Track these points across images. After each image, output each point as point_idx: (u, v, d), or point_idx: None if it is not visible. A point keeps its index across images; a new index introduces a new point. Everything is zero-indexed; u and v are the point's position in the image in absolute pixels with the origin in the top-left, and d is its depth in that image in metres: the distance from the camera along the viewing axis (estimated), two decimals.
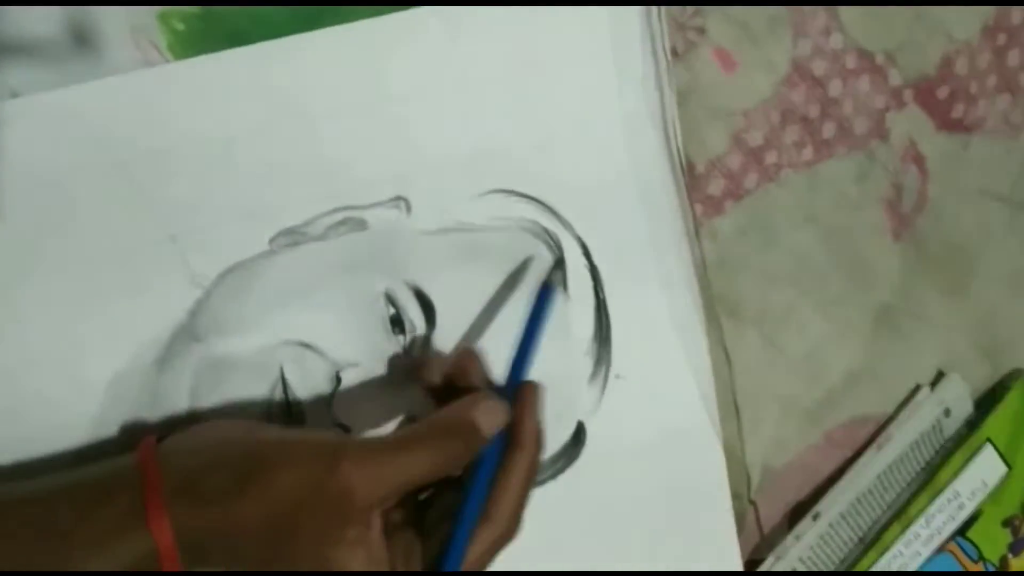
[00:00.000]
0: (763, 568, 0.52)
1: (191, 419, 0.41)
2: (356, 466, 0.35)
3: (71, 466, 0.39)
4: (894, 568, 0.55)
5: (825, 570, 0.54)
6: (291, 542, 0.34)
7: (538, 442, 0.39)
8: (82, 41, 0.39)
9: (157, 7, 0.39)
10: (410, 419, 0.43)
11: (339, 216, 0.42)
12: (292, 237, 0.42)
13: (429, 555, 0.37)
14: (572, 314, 0.45)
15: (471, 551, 0.37)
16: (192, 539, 0.34)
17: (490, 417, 0.37)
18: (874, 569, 0.54)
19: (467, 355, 0.41)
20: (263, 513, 0.34)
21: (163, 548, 0.34)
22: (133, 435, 0.41)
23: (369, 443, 0.36)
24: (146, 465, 0.35)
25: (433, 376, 0.41)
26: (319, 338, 0.42)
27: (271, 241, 0.42)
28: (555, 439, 0.46)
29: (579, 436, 0.47)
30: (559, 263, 0.44)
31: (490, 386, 0.40)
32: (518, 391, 0.39)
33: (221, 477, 0.34)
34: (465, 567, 0.36)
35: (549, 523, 0.46)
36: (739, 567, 0.51)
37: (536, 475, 0.39)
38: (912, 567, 0.55)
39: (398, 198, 0.43)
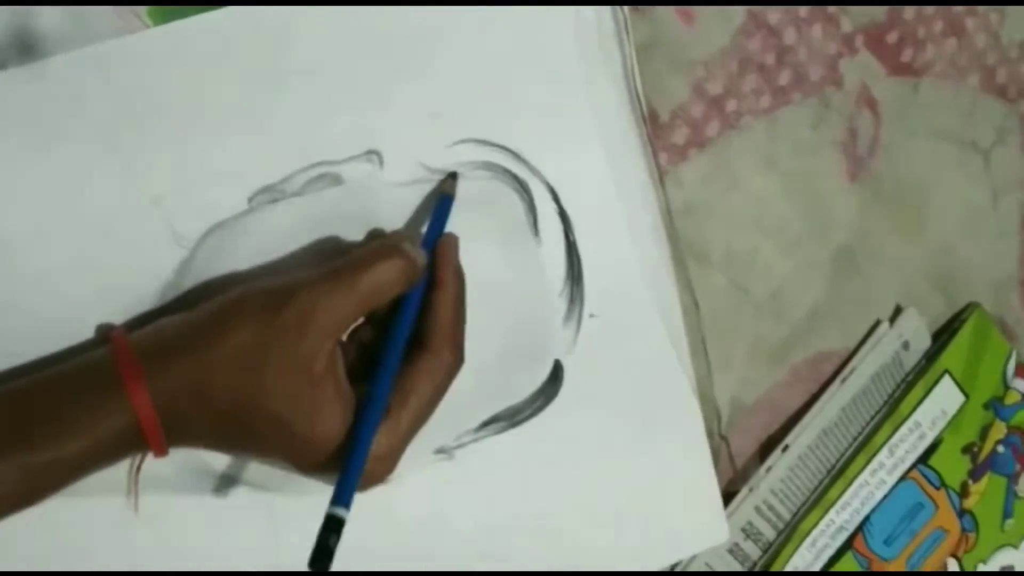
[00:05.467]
0: (738, 499, 0.55)
1: None
2: (310, 295, 0.37)
3: None
4: (861, 496, 0.57)
5: (767, 549, 0.56)
6: (257, 378, 0.36)
7: (459, 279, 0.42)
8: (64, 11, 0.40)
9: None
10: None
11: (315, 172, 0.44)
12: (271, 194, 0.43)
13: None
14: (544, 257, 0.47)
15: (419, 388, 0.39)
16: (169, 400, 0.36)
17: (415, 251, 0.40)
18: (843, 497, 0.56)
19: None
20: (230, 356, 0.36)
21: (143, 415, 0.36)
22: None
23: (317, 275, 0.38)
24: (117, 342, 0.37)
25: None
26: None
27: (251, 199, 0.43)
28: (534, 378, 0.48)
29: (557, 374, 0.48)
30: (453, 175, 0.45)
31: None
32: (435, 245, 0.42)
33: (188, 334, 0.37)
34: (420, 401, 0.39)
35: (531, 459, 0.48)
36: (718, 499, 0.53)
37: (464, 309, 0.42)
38: (878, 495, 0.58)
39: (371, 152, 0.44)
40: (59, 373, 0.37)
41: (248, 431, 0.37)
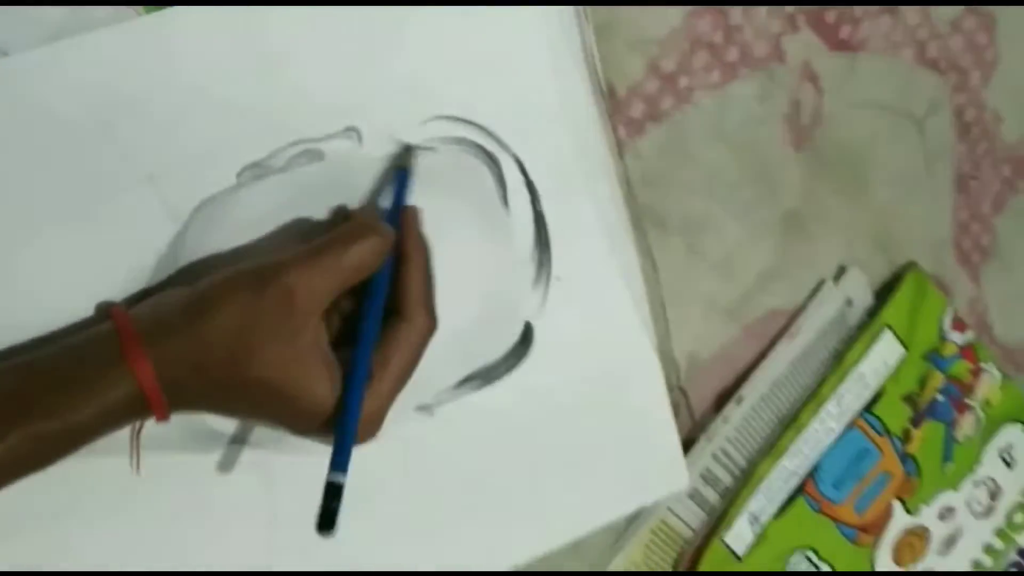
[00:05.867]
0: (697, 448, 0.57)
1: None
2: (293, 275, 0.39)
3: None
4: (811, 443, 0.60)
5: (739, 470, 0.60)
6: (250, 352, 0.38)
7: (424, 251, 0.44)
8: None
9: None
10: None
11: (298, 149, 0.46)
12: (257, 171, 0.45)
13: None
14: (514, 226, 0.50)
15: (398, 353, 0.42)
16: (169, 372, 0.38)
17: (386, 228, 0.42)
18: (794, 444, 0.59)
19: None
20: (223, 332, 0.38)
21: (147, 385, 0.38)
22: None
23: (299, 254, 0.40)
24: (119, 318, 0.39)
25: None
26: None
27: (238, 175, 0.45)
28: (506, 339, 0.51)
29: (527, 335, 0.51)
30: (408, 148, 0.48)
31: None
32: (399, 218, 0.44)
33: (183, 312, 0.39)
34: (399, 365, 0.42)
35: (504, 413, 0.51)
36: (678, 448, 0.55)
37: (431, 278, 0.45)
38: (827, 442, 0.60)
39: (350, 129, 0.46)
40: (65, 347, 0.39)
41: (243, 398, 0.40)
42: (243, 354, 0.39)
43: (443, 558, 0.51)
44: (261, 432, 0.47)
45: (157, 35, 0.43)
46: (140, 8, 0.43)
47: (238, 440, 0.47)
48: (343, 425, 0.40)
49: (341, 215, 0.46)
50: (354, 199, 0.47)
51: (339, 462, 0.39)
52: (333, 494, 0.38)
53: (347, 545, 0.48)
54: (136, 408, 0.39)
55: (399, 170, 0.47)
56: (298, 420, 0.41)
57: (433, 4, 0.47)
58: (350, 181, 0.47)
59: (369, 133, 0.47)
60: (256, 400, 0.40)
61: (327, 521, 0.38)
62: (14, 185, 0.42)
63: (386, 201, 0.47)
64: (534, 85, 0.50)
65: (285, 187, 0.46)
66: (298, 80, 0.45)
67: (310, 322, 0.40)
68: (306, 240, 0.41)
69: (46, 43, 0.41)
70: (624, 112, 0.54)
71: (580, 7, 0.50)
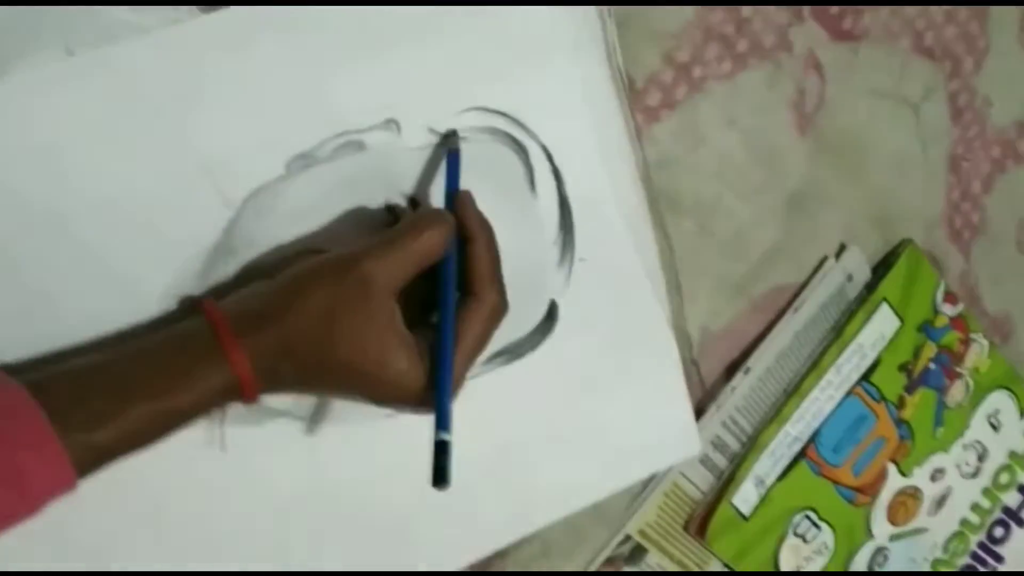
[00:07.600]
0: (707, 416, 0.61)
1: None
2: (370, 263, 0.43)
3: None
4: (813, 410, 0.63)
5: (748, 436, 0.63)
6: (334, 335, 0.42)
7: (488, 230, 0.47)
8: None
9: None
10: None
11: (342, 140, 0.48)
12: (305, 160, 0.48)
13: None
14: (540, 209, 0.53)
15: (470, 330, 0.45)
16: (261, 359, 0.41)
17: (447, 214, 0.46)
18: (797, 412, 0.62)
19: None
20: (309, 319, 0.42)
21: (243, 373, 0.41)
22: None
23: (374, 244, 0.44)
24: (211, 313, 0.42)
25: None
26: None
27: (287, 165, 0.47)
28: (533, 316, 0.54)
29: (552, 313, 0.54)
30: (452, 132, 0.50)
31: None
32: (454, 201, 0.47)
33: (271, 303, 0.42)
34: (470, 344, 0.45)
35: (530, 387, 0.54)
36: (691, 416, 0.58)
37: (497, 255, 0.47)
38: (827, 409, 0.64)
39: (390, 121, 0.49)
40: (164, 338, 0.42)
41: (330, 378, 0.43)
42: (328, 337, 0.42)
43: (474, 519, 0.54)
44: (304, 404, 0.50)
45: (213, 36, 0.45)
46: (196, 8, 0.45)
47: (284, 412, 0.50)
48: (440, 387, 0.43)
49: (409, 203, 0.49)
50: (394, 186, 0.50)
51: (442, 422, 0.43)
52: (442, 451, 0.42)
53: (384, 504, 0.52)
54: (231, 393, 0.42)
55: (451, 153, 0.49)
56: (380, 392, 0.44)
57: (469, 4, 0.50)
58: (390, 169, 0.50)
59: (407, 125, 0.49)
60: (341, 378, 0.43)
61: (440, 476, 0.42)
62: (83, 174, 0.44)
63: (436, 186, 0.50)
64: (560, 77, 0.52)
65: (331, 176, 0.48)
66: (343, 76, 0.48)
67: (387, 305, 0.43)
68: (372, 230, 0.45)
69: (109, 44, 0.44)
70: (642, 101, 0.56)
71: (603, 5, 0.53)
